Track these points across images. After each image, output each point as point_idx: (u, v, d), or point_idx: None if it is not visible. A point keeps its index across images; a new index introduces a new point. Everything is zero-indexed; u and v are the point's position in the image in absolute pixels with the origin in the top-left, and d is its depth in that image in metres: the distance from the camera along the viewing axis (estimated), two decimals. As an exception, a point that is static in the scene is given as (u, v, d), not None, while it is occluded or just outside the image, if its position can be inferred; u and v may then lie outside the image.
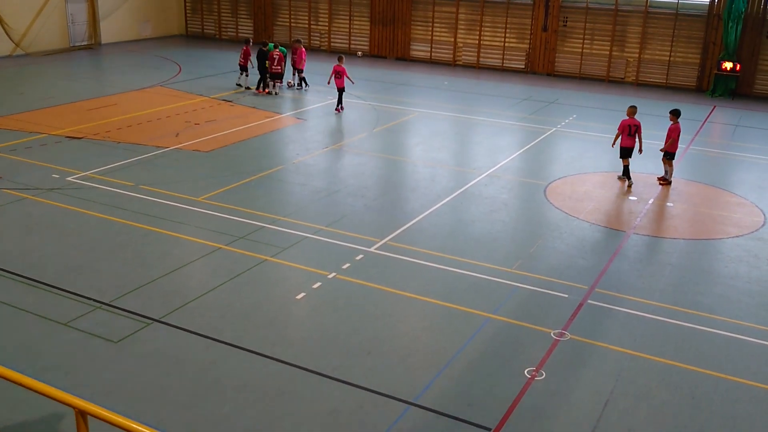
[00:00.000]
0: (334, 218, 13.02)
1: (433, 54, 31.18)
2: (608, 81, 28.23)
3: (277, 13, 34.05)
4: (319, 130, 19.33)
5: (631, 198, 14.95)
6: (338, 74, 20.95)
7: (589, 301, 10.29)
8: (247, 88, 23.81)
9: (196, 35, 36.30)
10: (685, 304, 10.37)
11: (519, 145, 18.67)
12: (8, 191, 13.66)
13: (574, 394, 8.16)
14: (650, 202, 14.70)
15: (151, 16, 34.97)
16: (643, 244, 12.61)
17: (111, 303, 9.69)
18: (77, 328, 9.06)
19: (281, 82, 23.57)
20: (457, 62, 30.82)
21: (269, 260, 11.22)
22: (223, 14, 35.41)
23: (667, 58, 27.35)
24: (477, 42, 30.27)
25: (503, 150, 18.12)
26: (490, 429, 7.48)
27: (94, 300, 9.76)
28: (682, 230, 13.33)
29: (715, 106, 24.52)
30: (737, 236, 13.02)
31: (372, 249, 11.73)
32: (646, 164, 16.84)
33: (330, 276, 10.72)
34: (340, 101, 21.17)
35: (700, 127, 21.38)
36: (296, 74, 24.17)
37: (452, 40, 30.72)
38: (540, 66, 29.35)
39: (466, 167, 16.62)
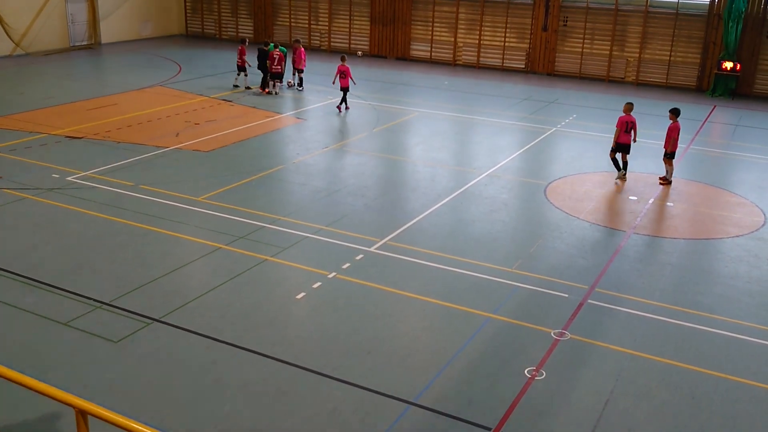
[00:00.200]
0: (334, 218, 13.02)
1: (433, 54, 31.18)
2: (608, 81, 28.23)
3: (277, 13, 34.06)
4: (319, 130, 19.33)
5: (631, 198, 14.95)
6: (343, 74, 21.01)
7: (589, 301, 10.29)
8: (247, 87, 23.81)
9: (196, 35, 36.31)
10: (685, 303, 10.37)
11: (519, 145, 18.67)
12: (8, 191, 13.66)
13: (574, 393, 8.16)
14: (650, 201, 14.70)
15: (151, 16, 34.99)
16: (643, 244, 12.61)
17: (111, 303, 9.69)
18: (77, 328, 9.06)
19: (281, 82, 23.58)
20: (457, 62, 30.82)
21: (269, 260, 11.22)
22: (223, 14, 35.42)
23: (668, 58, 27.35)
24: (477, 42, 30.27)
25: (503, 150, 18.12)
26: (490, 429, 7.48)
27: (94, 300, 9.76)
28: (682, 230, 13.33)
29: (715, 106, 24.52)
30: (737, 236, 13.02)
31: (372, 249, 11.74)
32: (647, 164, 16.85)
33: (330, 276, 10.72)
34: (344, 101, 21.20)
35: (700, 127, 21.38)
36: (296, 74, 24.19)
37: (452, 39, 30.72)
38: (540, 66, 29.35)
39: (467, 167, 16.61)
